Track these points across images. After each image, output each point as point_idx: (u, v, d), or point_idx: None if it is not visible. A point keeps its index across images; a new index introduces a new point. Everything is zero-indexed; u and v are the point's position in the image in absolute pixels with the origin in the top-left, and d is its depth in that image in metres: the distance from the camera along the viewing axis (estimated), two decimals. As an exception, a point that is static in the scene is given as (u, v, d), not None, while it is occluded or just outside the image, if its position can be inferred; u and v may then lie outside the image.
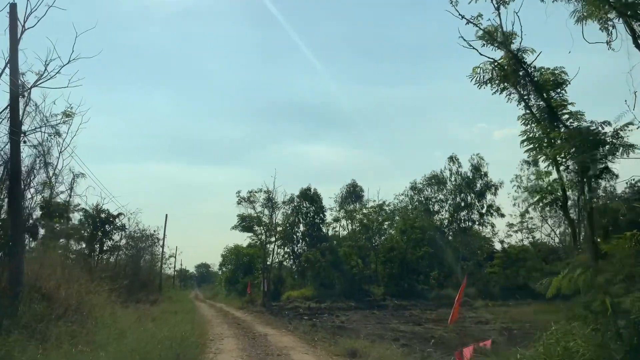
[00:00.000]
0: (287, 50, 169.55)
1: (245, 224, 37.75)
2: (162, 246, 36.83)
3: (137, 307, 21.76)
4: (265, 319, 22.41)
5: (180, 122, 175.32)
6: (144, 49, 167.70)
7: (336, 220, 47.79)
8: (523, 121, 12.62)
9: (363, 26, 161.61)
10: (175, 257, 73.97)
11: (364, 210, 45.22)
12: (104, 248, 28.98)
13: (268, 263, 40.65)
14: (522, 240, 59.09)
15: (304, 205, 51.15)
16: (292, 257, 49.34)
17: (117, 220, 28.87)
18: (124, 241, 29.73)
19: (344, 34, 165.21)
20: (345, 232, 51.07)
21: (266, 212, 37.00)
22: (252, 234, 48.03)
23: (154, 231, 33.35)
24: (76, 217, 27.44)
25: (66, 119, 17.62)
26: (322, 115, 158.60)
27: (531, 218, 54.15)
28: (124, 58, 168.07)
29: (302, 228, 51.15)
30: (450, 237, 50.76)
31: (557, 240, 56.62)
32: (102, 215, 28.54)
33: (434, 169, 59.63)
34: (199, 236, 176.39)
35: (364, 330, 18.44)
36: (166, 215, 38.55)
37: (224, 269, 58.94)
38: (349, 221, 46.34)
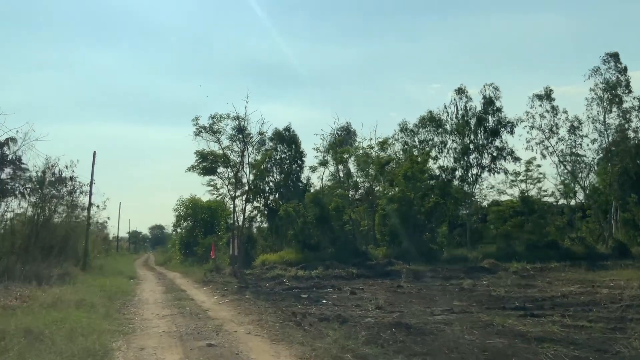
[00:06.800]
0: (238, 6, 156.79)
1: (207, 164, 27.19)
2: (90, 193, 25.93)
3: (10, 292, 11.69)
4: (251, 309, 12.50)
5: (130, 80, 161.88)
6: (90, 2, 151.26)
7: (323, 163, 37.92)
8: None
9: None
10: (118, 213, 63.10)
11: (359, 152, 35.45)
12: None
13: (234, 219, 30.87)
14: (526, 191, 51.43)
15: (279, 149, 41.41)
16: (265, 212, 39.60)
17: (4, 149, 18.35)
18: (18, 183, 19.16)
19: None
20: (323, 183, 41.66)
21: (235, 147, 26.58)
22: (212, 187, 38.00)
23: (67, 166, 22.15)
24: None
25: None
26: (275, 74, 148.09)
27: (539, 166, 46.12)
28: (69, 11, 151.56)
29: (275, 177, 41.58)
30: (454, 187, 42.10)
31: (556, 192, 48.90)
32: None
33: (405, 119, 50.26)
34: (153, 198, 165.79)
35: (461, 338, 9.20)
36: (94, 152, 27.71)
37: (178, 230, 48.30)
38: (340, 166, 36.57)
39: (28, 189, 19.06)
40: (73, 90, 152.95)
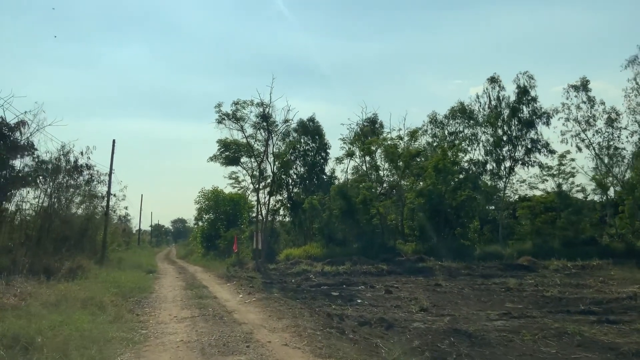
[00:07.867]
0: (259, 1, 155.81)
1: (230, 153, 25.88)
2: (109, 183, 24.69)
3: (10, 289, 10.47)
4: (283, 311, 10.99)
5: (152, 77, 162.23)
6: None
7: (349, 154, 36.37)
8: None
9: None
10: (140, 206, 62.51)
11: (388, 142, 33.77)
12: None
13: (258, 212, 29.55)
14: (559, 185, 49.18)
15: (303, 140, 39.96)
16: (288, 205, 38.22)
17: (16, 133, 17.22)
18: (30, 171, 18.03)
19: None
20: (346, 176, 40.12)
21: (259, 136, 25.21)
22: (234, 180, 36.91)
23: (82, 152, 20.76)
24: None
25: None
26: (297, 69, 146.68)
27: (573, 159, 43.85)
28: (92, 9, 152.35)
29: (299, 169, 40.17)
30: (484, 181, 40.21)
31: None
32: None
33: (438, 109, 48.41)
34: (176, 192, 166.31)
35: (537, 351, 7.73)
36: (113, 140, 26.59)
37: (200, 223, 47.09)
38: (367, 158, 35.02)
39: (41, 177, 17.89)
40: (96, 87, 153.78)
